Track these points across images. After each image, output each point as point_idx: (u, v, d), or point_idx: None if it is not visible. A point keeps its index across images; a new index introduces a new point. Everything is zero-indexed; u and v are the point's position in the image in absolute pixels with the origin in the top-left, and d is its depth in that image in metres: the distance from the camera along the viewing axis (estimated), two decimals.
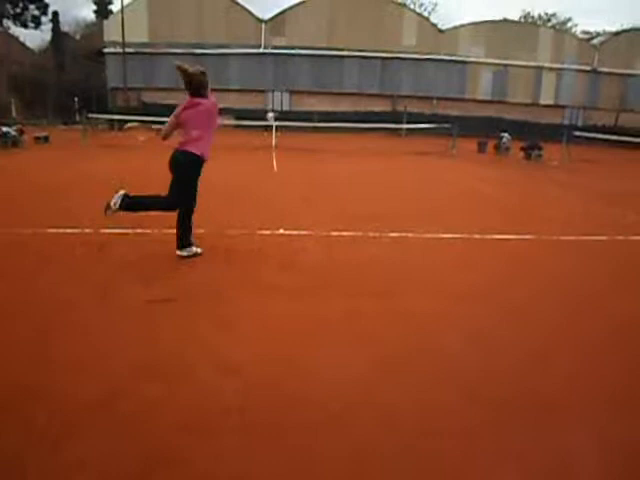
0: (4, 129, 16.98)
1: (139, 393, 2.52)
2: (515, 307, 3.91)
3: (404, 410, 2.48)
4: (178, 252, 4.74)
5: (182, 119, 4.55)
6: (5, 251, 4.97)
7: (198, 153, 4.51)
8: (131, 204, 4.51)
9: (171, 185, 4.57)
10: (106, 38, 33.45)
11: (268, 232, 5.93)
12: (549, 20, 51.78)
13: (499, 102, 35.63)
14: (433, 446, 2.22)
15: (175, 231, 4.76)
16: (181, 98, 4.67)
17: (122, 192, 4.48)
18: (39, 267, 4.46)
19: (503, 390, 2.69)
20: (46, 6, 41.95)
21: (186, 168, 4.55)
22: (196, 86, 4.47)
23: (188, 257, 4.73)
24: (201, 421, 2.32)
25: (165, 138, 4.72)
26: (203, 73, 4.50)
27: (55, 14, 42.35)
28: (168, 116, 4.75)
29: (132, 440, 2.17)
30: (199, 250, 4.83)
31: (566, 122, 34.43)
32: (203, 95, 4.52)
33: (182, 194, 4.60)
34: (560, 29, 43.79)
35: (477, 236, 6.17)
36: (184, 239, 4.75)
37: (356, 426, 2.33)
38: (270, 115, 28.47)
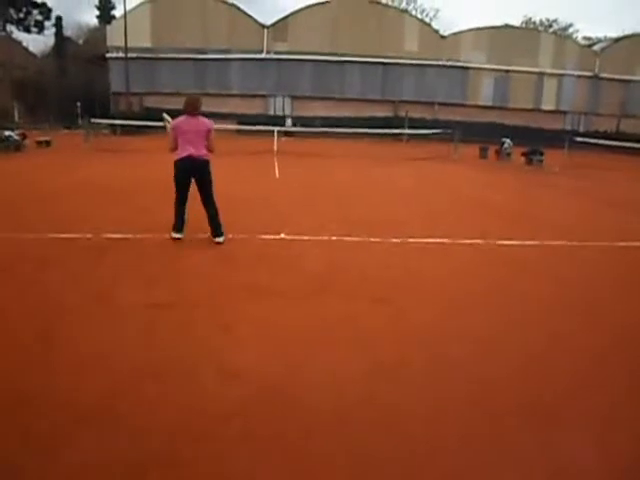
0: (7, 133, 17.07)
1: (139, 396, 2.52)
2: (516, 313, 3.90)
3: (404, 413, 2.47)
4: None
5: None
6: (7, 255, 4.97)
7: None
8: (219, 225, 5.49)
9: (207, 188, 5.39)
10: (109, 43, 33.55)
11: (269, 237, 5.93)
12: (550, 26, 51.84)
13: (501, 108, 35.69)
14: (433, 449, 2.21)
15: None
16: (183, 103, 5.38)
17: (220, 239, 5.48)
18: (40, 271, 4.47)
19: (504, 394, 2.68)
20: (49, 11, 42.30)
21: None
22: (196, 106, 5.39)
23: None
24: (202, 423, 2.32)
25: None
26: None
27: (58, 19, 42.65)
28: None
29: (132, 443, 2.16)
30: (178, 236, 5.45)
31: (567, 128, 34.46)
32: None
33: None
34: (561, 35, 43.88)
35: (478, 241, 6.16)
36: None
37: (356, 429, 2.32)
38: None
